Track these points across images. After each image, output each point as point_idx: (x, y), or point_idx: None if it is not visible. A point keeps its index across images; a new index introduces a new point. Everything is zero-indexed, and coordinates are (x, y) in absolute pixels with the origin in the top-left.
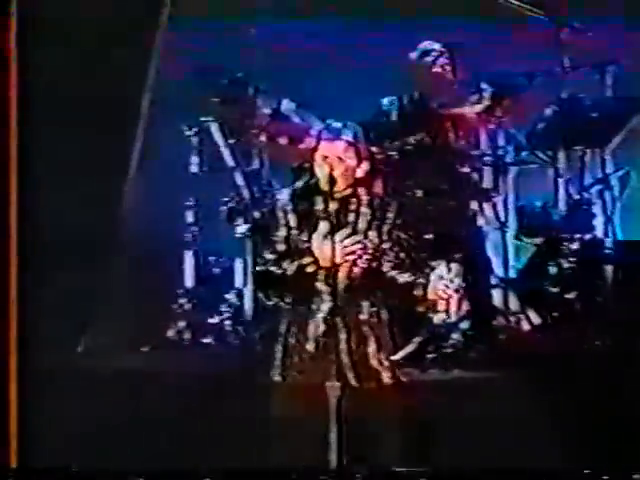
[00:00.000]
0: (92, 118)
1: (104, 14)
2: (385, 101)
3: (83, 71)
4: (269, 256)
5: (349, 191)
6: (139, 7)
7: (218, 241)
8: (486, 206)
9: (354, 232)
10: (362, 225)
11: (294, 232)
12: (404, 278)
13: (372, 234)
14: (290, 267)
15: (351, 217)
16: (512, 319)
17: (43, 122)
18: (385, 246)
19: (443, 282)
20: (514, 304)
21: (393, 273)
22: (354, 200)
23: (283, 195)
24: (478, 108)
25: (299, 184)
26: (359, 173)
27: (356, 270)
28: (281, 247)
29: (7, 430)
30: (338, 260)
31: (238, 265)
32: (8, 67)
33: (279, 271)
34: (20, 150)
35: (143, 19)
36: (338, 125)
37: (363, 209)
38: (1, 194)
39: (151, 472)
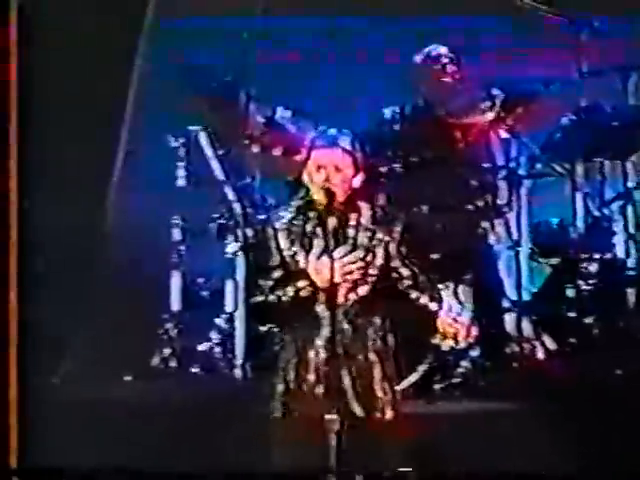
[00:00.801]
0: (76, 125)
1: (91, 17)
2: (387, 110)
3: (68, 72)
4: (263, 283)
5: (347, 203)
6: (122, 7)
7: (207, 261)
8: (498, 223)
9: (354, 248)
10: (363, 240)
11: (288, 253)
12: (411, 300)
13: (377, 250)
14: (286, 292)
15: (351, 231)
16: (526, 346)
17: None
18: (391, 264)
19: (452, 314)
20: (528, 330)
21: (399, 294)
22: (354, 214)
23: (277, 214)
24: (489, 116)
25: (295, 201)
26: (356, 183)
27: (358, 291)
28: (276, 273)
29: (7, 430)
30: (337, 280)
31: (229, 287)
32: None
33: (273, 298)
34: None
35: (127, 19)
36: (333, 131)
37: (364, 222)
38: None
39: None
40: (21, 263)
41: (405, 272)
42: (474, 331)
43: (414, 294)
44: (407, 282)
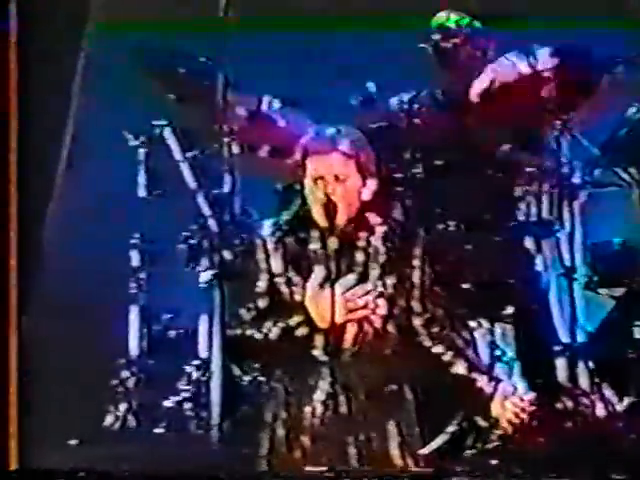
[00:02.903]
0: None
1: None
2: (401, 98)
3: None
4: (245, 314)
5: (354, 221)
6: None
7: (174, 292)
8: (546, 244)
9: (363, 278)
10: (375, 268)
11: (279, 280)
12: (435, 346)
13: (389, 280)
14: (275, 329)
15: (359, 256)
16: (582, 400)
17: None
18: (410, 298)
19: (514, 399)
20: (585, 380)
21: (420, 337)
22: (363, 233)
23: (264, 229)
24: (534, 97)
25: (286, 214)
26: (365, 195)
27: (366, 332)
28: (262, 302)
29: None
30: (341, 319)
31: (202, 325)
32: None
33: (259, 335)
34: None
35: None
36: (330, 131)
37: (376, 244)
38: None
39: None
40: None
41: (429, 307)
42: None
43: (438, 333)
44: (432, 321)
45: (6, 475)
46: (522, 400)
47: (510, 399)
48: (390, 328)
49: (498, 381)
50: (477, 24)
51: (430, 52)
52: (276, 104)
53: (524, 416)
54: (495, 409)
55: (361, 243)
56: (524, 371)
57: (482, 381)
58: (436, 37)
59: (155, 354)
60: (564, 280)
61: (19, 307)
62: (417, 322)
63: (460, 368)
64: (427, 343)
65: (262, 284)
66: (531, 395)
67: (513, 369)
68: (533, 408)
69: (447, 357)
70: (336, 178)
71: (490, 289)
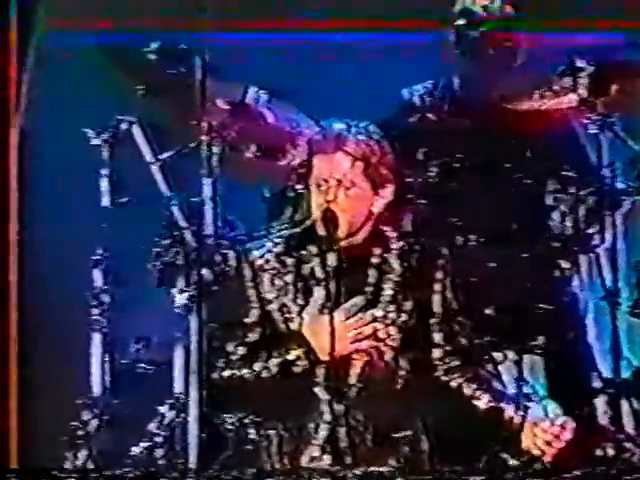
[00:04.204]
0: None
1: None
2: (406, 92)
3: None
4: (232, 350)
5: (363, 235)
6: None
7: (144, 319)
8: (583, 261)
9: (373, 302)
10: (386, 291)
11: (274, 306)
12: (455, 381)
13: (403, 306)
14: (267, 366)
15: (371, 277)
16: (627, 445)
17: None
18: (428, 328)
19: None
20: (629, 421)
21: (438, 372)
22: (371, 249)
23: (252, 244)
24: (569, 100)
25: (278, 226)
26: (378, 205)
27: (375, 366)
28: (253, 334)
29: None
30: (344, 350)
31: (178, 357)
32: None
33: (250, 375)
34: None
35: None
36: (339, 126)
37: (389, 264)
38: None
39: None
40: None
41: (448, 341)
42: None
43: (457, 380)
44: (452, 352)
45: (6, 475)
46: (555, 425)
47: (541, 425)
48: (403, 362)
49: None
50: (510, 10)
51: (451, 40)
52: (263, 96)
53: (559, 444)
54: (526, 440)
55: (370, 262)
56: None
57: (509, 410)
58: (460, 22)
59: (122, 392)
60: (605, 304)
61: (19, 314)
62: (436, 355)
63: (482, 403)
64: (445, 378)
65: (251, 313)
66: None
67: (547, 409)
68: (569, 435)
69: (469, 391)
70: (339, 182)
71: (517, 315)
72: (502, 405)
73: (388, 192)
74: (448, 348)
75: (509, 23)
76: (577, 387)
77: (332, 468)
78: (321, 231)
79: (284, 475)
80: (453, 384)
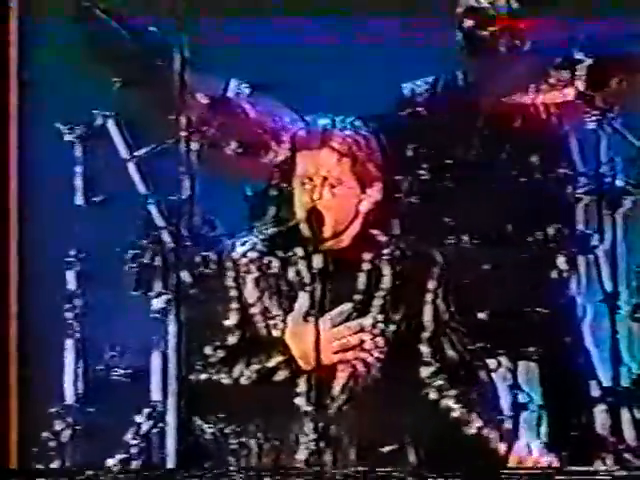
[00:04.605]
0: None
1: None
2: (407, 87)
3: None
4: (211, 354)
5: (349, 236)
6: None
7: (120, 323)
8: (582, 263)
9: (362, 310)
10: (377, 299)
11: (254, 311)
12: (444, 400)
13: (396, 314)
14: (247, 372)
15: (360, 282)
16: (627, 457)
17: None
18: (417, 340)
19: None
20: (630, 432)
21: (426, 389)
22: (365, 254)
23: (233, 246)
24: (566, 94)
25: (261, 226)
26: (365, 204)
27: (362, 377)
28: (231, 337)
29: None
30: (330, 359)
31: (155, 364)
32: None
33: (227, 379)
34: None
35: None
36: (324, 121)
37: (382, 268)
38: None
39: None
40: None
41: (438, 356)
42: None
43: (446, 401)
44: (448, 362)
45: (6, 475)
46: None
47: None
48: (389, 376)
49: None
50: (514, 4)
51: (458, 41)
52: (245, 90)
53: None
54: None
55: (359, 267)
56: (553, 422)
57: (494, 441)
58: (469, 23)
59: (96, 400)
60: (604, 308)
61: (19, 313)
62: (424, 373)
63: (473, 427)
64: (434, 396)
65: (232, 315)
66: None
67: (542, 420)
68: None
69: (456, 414)
70: (324, 180)
71: (512, 319)
72: (489, 435)
73: (376, 190)
74: (437, 365)
75: (517, 18)
76: (575, 396)
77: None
78: (306, 231)
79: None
80: (442, 403)
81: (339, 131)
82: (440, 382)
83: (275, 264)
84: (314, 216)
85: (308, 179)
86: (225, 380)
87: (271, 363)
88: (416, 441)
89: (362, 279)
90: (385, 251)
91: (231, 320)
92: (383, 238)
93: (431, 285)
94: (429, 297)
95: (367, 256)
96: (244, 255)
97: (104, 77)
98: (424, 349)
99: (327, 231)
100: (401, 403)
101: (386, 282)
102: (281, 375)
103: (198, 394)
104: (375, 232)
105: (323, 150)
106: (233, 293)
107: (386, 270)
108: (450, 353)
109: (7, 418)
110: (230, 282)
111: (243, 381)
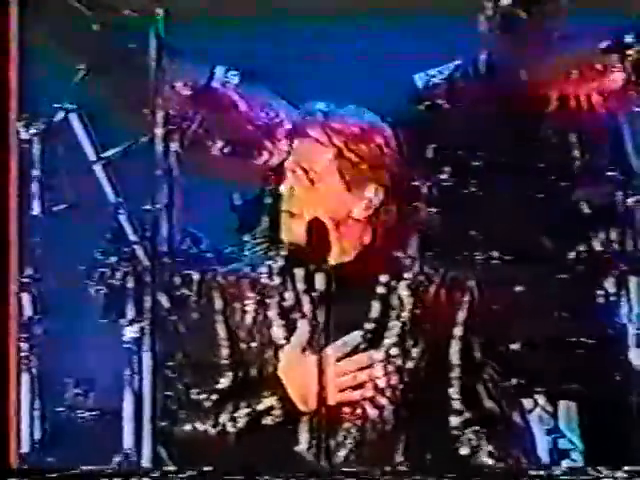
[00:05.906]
0: None
1: None
2: (420, 77)
3: None
4: (196, 398)
5: (356, 250)
6: None
7: (85, 356)
8: (633, 284)
9: (372, 341)
10: (393, 327)
11: (246, 345)
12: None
13: (415, 349)
14: (236, 416)
15: (374, 310)
16: None
17: None
18: (443, 382)
19: None
20: None
21: (457, 444)
22: (383, 276)
23: (220, 263)
24: (615, 80)
25: (254, 240)
26: (358, 212)
27: (372, 421)
28: (223, 379)
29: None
30: (333, 399)
31: (127, 404)
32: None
33: (214, 428)
34: None
35: None
36: (319, 105)
37: (401, 293)
38: None
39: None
40: None
41: (468, 404)
42: None
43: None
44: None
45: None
46: None
47: None
48: (407, 413)
49: None
50: None
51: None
52: (233, 79)
53: None
54: None
55: (367, 288)
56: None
57: None
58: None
59: (56, 448)
60: None
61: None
62: (453, 422)
63: None
64: (464, 451)
65: (220, 350)
66: None
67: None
68: None
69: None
70: (305, 174)
71: (550, 352)
72: None
73: (371, 193)
74: (468, 415)
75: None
76: (622, 442)
77: None
78: (305, 246)
79: None
80: (474, 459)
81: (330, 118)
82: (472, 435)
83: (267, 284)
84: (312, 229)
85: (292, 172)
86: (211, 430)
87: (261, 405)
88: None
89: (376, 305)
90: (405, 275)
91: (220, 358)
92: (400, 255)
93: (461, 316)
94: (458, 331)
95: (384, 278)
96: (232, 274)
97: (66, 64)
98: (453, 394)
99: (333, 244)
100: (422, 457)
101: (406, 310)
102: (272, 418)
103: (181, 445)
104: (392, 249)
105: (307, 139)
106: (221, 325)
107: (405, 295)
108: (487, 402)
109: (7, 418)
110: (218, 311)
111: (230, 430)
